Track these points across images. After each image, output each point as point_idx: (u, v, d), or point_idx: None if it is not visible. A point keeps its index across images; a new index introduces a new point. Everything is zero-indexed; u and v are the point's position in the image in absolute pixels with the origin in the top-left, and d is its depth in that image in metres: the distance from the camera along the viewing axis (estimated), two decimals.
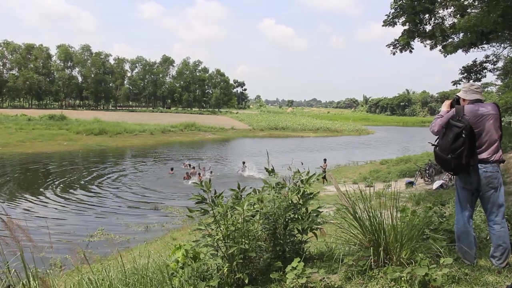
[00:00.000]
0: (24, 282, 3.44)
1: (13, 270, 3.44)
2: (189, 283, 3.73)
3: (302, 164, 4.91)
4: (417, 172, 20.88)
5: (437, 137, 4.24)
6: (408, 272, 3.61)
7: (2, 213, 13.02)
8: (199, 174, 23.33)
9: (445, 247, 4.26)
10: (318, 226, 4.61)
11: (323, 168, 22.74)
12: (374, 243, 4.04)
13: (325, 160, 25.02)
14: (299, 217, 4.49)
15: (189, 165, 26.63)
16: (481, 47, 17.74)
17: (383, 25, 15.42)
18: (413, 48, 16.03)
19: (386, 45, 16.14)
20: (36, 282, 3.49)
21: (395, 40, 15.90)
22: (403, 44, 15.62)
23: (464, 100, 4.19)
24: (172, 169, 25.63)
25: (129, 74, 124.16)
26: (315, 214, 4.52)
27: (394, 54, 16.16)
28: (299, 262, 3.81)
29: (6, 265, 3.42)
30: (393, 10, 14.93)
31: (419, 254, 3.81)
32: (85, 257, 4.00)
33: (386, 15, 15.15)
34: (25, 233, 3.46)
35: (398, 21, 15.15)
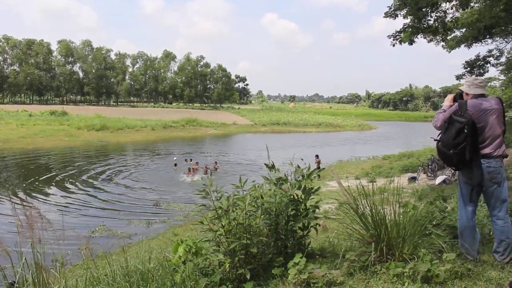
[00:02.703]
0: (26, 278, 3.44)
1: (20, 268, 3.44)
2: (191, 279, 3.72)
3: (303, 160, 4.88)
4: (419, 167, 20.82)
5: (439, 132, 4.22)
6: (411, 267, 3.60)
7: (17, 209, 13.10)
8: (189, 169, 23.32)
9: (448, 243, 4.26)
10: (317, 222, 4.60)
11: (316, 165, 22.78)
12: (376, 239, 4.04)
13: (317, 156, 24.86)
14: (299, 213, 4.48)
15: (191, 160, 26.60)
16: (484, 42, 17.67)
17: (384, 17, 15.34)
18: (413, 41, 15.96)
19: (387, 36, 16.04)
20: (43, 277, 3.50)
21: (396, 32, 15.82)
22: (407, 40, 15.53)
23: (467, 94, 4.16)
24: (175, 164, 25.66)
25: (130, 70, 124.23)
26: (312, 210, 4.51)
27: (393, 45, 16.09)
28: (301, 257, 3.81)
29: (21, 259, 3.43)
30: (395, 3, 14.86)
31: (422, 250, 3.81)
32: (90, 252, 4.01)
33: (388, 7, 15.08)
34: (43, 225, 3.48)
35: (400, 13, 15.07)
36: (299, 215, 4.45)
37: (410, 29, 15.21)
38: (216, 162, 25.71)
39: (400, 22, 15.58)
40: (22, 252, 3.46)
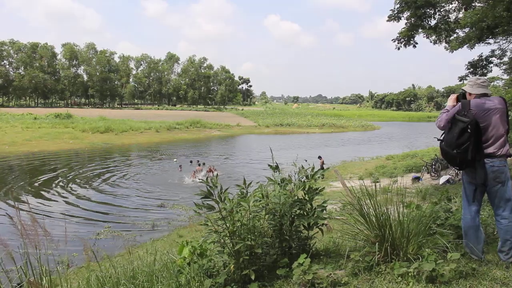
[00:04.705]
0: (32, 279, 3.46)
1: (19, 267, 3.47)
2: (195, 280, 3.74)
3: (306, 160, 4.89)
4: (423, 167, 20.83)
5: (443, 132, 4.22)
6: (415, 267, 3.60)
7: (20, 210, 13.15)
8: (194, 171, 23.31)
9: (452, 242, 4.26)
10: (324, 222, 4.61)
11: (320, 166, 23.04)
12: (380, 239, 4.04)
13: (320, 157, 25.05)
14: (305, 213, 4.49)
15: (198, 161, 26.56)
16: (487, 42, 17.60)
17: (387, 20, 15.37)
18: (416, 43, 15.96)
19: (392, 40, 16.07)
20: (46, 279, 3.53)
21: (399, 34, 15.84)
22: (404, 36, 15.53)
23: (470, 94, 4.16)
24: (180, 166, 25.71)
25: (134, 72, 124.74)
26: (320, 209, 4.52)
27: (398, 49, 16.11)
28: (305, 258, 3.82)
29: (25, 260, 3.46)
30: (398, 5, 14.89)
31: (426, 249, 3.81)
32: (94, 255, 4.03)
33: (391, 10, 15.11)
34: (44, 231, 3.50)
35: (403, 16, 15.09)
36: (306, 215, 4.46)
37: (409, 26, 15.20)
38: (213, 166, 25.43)
39: (404, 25, 15.58)
40: (25, 255, 3.49)
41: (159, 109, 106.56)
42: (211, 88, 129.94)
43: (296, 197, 4.43)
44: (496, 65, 19.57)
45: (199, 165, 25.05)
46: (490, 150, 3.97)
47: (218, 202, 3.99)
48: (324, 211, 4.61)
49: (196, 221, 13.04)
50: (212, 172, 23.17)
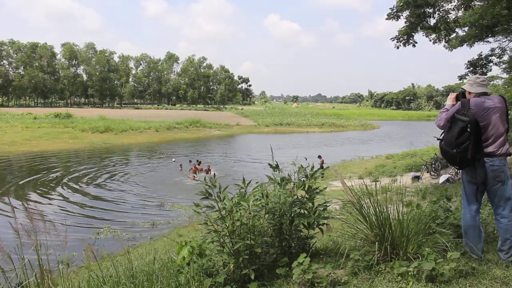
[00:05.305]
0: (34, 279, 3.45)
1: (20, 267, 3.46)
2: (195, 280, 3.73)
3: (306, 159, 4.89)
4: (423, 167, 20.84)
5: (442, 131, 4.22)
6: (415, 266, 3.60)
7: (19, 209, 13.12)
8: (195, 169, 23.27)
9: (452, 241, 4.25)
10: (325, 221, 4.60)
11: (320, 165, 23.12)
12: (380, 238, 4.03)
13: (319, 156, 25.16)
14: (306, 211, 4.49)
15: (197, 160, 26.55)
16: (486, 41, 17.60)
17: (386, 18, 15.32)
18: (416, 42, 15.93)
19: (390, 38, 16.02)
20: (47, 276, 3.52)
21: (399, 33, 15.80)
22: (404, 35, 15.50)
23: (469, 93, 4.15)
24: (180, 165, 25.69)
25: (133, 72, 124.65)
26: (322, 209, 4.51)
27: (398, 47, 16.08)
28: (305, 257, 3.81)
29: (22, 261, 3.45)
30: (397, 4, 14.86)
31: (426, 249, 3.80)
32: (94, 254, 4.02)
33: (390, 8, 15.07)
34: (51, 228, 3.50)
35: (402, 15, 15.05)
36: (307, 215, 4.45)
37: (408, 24, 15.16)
38: (208, 166, 25.35)
39: (403, 24, 15.55)
40: (24, 255, 3.48)
41: (159, 109, 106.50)
42: (210, 87, 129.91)
43: (296, 197, 4.42)
44: (495, 64, 19.59)
45: (199, 164, 25.04)
46: (490, 149, 3.96)
47: (218, 202, 3.99)
48: (326, 211, 4.61)
49: (196, 220, 13.04)
50: (210, 172, 23.18)
